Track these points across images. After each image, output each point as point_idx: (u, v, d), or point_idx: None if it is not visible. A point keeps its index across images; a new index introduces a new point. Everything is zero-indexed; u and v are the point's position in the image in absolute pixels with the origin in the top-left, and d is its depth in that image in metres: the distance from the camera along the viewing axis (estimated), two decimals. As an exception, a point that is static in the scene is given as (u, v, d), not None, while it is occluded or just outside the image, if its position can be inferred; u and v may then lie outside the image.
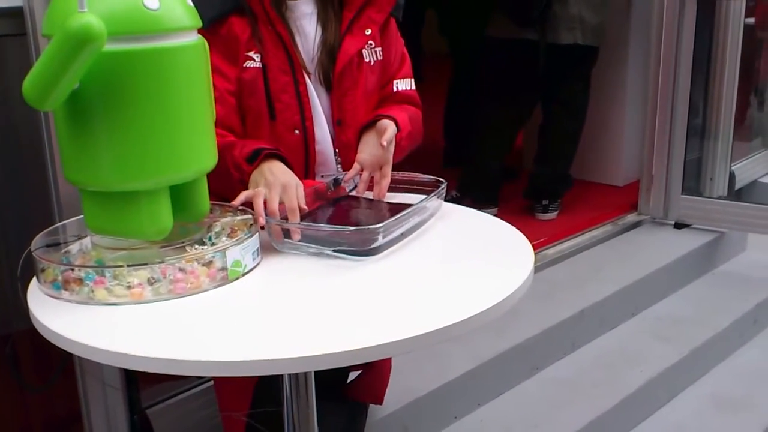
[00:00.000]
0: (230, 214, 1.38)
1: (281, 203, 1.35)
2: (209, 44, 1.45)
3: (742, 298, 3.21)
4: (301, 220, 1.36)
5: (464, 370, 2.45)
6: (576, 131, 3.60)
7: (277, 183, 1.37)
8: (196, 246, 1.25)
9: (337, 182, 1.56)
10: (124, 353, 1.04)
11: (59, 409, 1.97)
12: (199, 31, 1.36)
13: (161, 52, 1.13)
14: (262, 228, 1.34)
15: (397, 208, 1.41)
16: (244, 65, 1.53)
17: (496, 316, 1.13)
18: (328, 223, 1.43)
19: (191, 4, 1.20)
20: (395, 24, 1.70)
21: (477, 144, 3.60)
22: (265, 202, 1.34)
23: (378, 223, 1.30)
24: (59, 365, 1.66)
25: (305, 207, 1.38)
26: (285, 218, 1.35)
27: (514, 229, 1.45)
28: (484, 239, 1.45)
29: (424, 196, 1.46)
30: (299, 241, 1.34)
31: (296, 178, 1.41)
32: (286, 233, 1.34)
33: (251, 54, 1.53)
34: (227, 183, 1.44)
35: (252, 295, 1.22)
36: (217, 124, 1.34)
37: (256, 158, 1.42)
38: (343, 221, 1.45)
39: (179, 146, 1.19)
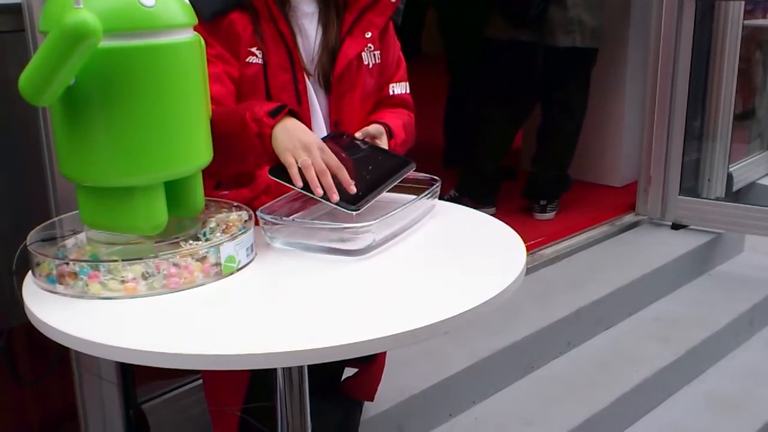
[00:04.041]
0: (225, 210, 1.39)
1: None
2: (212, 36, 1.48)
3: (739, 298, 3.22)
4: None
5: (460, 367, 2.46)
6: (574, 132, 3.61)
7: (313, 145, 1.37)
8: (191, 241, 1.25)
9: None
10: (117, 346, 1.05)
11: (56, 404, 1.98)
12: (202, 24, 1.38)
13: (157, 48, 1.14)
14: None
15: (391, 205, 1.42)
16: (246, 60, 1.54)
17: (486, 312, 1.14)
18: None
19: (187, 1, 1.21)
20: (393, 28, 1.71)
21: (475, 145, 3.61)
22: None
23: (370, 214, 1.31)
24: (54, 358, 1.68)
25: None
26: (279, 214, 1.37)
27: (508, 227, 1.46)
28: (477, 237, 1.46)
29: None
30: (293, 239, 1.35)
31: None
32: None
33: (253, 50, 1.53)
34: (241, 138, 1.40)
35: (245, 291, 1.23)
36: (213, 101, 1.36)
37: (278, 113, 1.40)
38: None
39: (174, 142, 1.20)
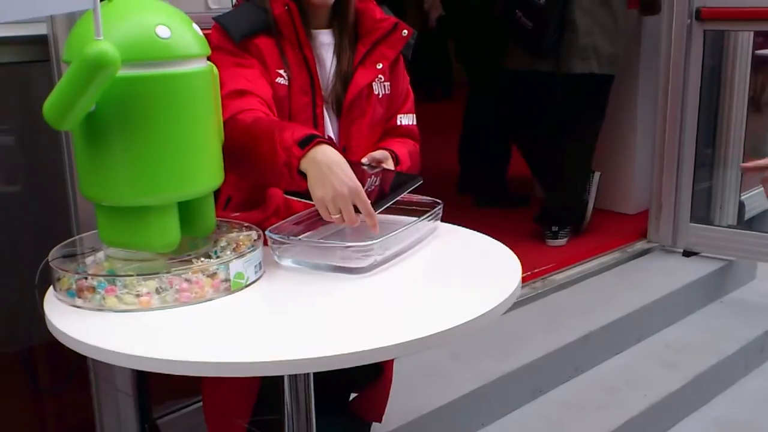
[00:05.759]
0: (236, 230, 1.46)
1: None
2: (243, 55, 1.58)
3: (750, 325, 3.22)
4: None
5: (468, 389, 2.48)
6: (586, 158, 3.65)
7: (344, 189, 1.36)
8: (202, 259, 1.33)
9: None
10: (131, 354, 1.12)
11: (73, 417, 2.05)
12: (233, 44, 1.54)
13: (172, 77, 1.23)
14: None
15: (394, 226, 1.48)
16: (276, 81, 1.62)
17: (479, 327, 1.20)
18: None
19: (201, 33, 1.30)
20: (403, 62, 1.79)
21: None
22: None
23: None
24: (72, 369, 1.75)
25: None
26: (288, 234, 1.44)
27: (507, 248, 1.52)
28: (475, 258, 1.52)
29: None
30: (299, 258, 1.42)
31: (354, 177, 1.38)
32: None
33: (281, 71, 1.62)
34: (270, 163, 1.39)
35: (253, 304, 1.30)
36: (254, 94, 1.50)
37: (307, 144, 1.37)
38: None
39: (188, 165, 1.28)
